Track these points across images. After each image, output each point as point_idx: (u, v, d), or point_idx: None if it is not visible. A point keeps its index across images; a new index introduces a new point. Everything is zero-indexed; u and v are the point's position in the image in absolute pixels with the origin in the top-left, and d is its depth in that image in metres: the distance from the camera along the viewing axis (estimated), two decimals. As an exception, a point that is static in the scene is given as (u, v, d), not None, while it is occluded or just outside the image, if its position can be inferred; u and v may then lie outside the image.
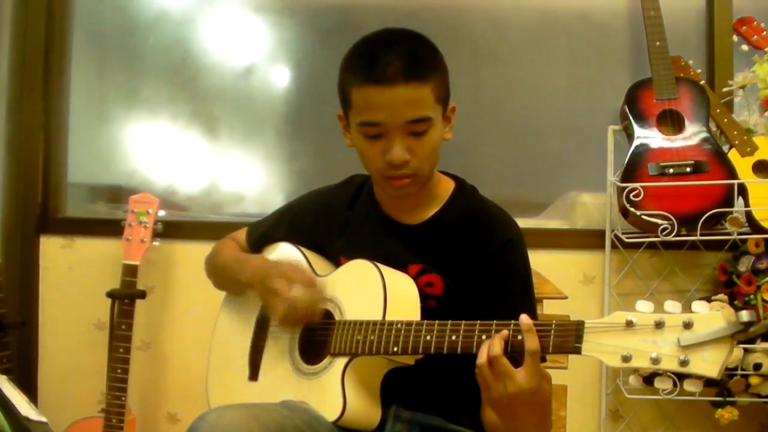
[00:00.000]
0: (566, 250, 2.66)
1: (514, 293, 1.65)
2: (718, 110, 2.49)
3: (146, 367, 2.75)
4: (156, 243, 2.63)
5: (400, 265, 1.65)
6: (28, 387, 2.69)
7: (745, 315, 1.16)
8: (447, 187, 1.74)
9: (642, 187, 2.35)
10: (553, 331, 1.36)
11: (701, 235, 2.34)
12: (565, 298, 1.91)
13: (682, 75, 2.52)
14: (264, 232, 1.91)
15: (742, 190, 2.36)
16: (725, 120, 2.48)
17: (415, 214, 1.71)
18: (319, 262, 1.79)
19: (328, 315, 1.67)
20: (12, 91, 2.85)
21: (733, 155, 2.42)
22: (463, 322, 1.46)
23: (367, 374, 1.60)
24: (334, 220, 1.80)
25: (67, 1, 2.89)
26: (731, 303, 2.40)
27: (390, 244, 1.70)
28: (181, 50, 2.95)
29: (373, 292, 1.57)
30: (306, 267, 1.76)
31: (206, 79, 2.93)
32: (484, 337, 1.42)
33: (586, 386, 2.61)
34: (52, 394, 2.78)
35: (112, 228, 2.65)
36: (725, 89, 2.58)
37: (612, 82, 2.76)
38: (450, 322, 1.47)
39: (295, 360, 1.69)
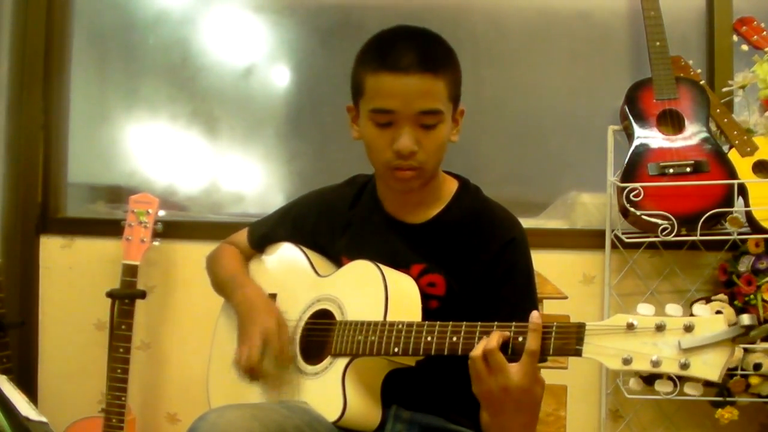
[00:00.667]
0: (566, 250, 2.66)
1: (517, 292, 1.65)
2: (718, 110, 2.49)
3: (146, 367, 2.75)
4: (156, 243, 2.63)
5: (402, 265, 1.66)
6: (28, 387, 2.69)
7: (746, 318, 1.17)
8: (450, 186, 1.74)
9: (642, 187, 2.35)
10: (554, 334, 1.36)
11: (701, 235, 2.34)
12: (565, 298, 1.91)
13: (682, 75, 2.52)
14: (266, 233, 1.91)
15: (742, 190, 2.36)
16: (725, 120, 2.48)
17: (418, 214, 1.71)
18: (320, 263, 1.79)
19: (328, 315, 1.67)
20: (12, 91, 2.85)
21: (733, 155, 2.42)
22: (464, 323, 1.46)
23: (367, 375, 1.60)
24: (337, 220, 1.80)
25: (67, 1, 2.89)
26: (731, 303, 2.40)
27: (393, 244, 1.70)
28: (181, 50, 2.95)
29: (374, 293, 1.57)
30: (306, 278, 1.76)
31: (206, 79, 2.93)
32: (484, 338, 1.42)
33: (586, 386, 2.61)
34: (52, 394, 2.78)
35: (112, 228, 2.65)
36: (725, 89, 2.57)
37: (612, 82, 2.76)
38: (451, 323, 1.47)
39: (295, 360, 1.69)
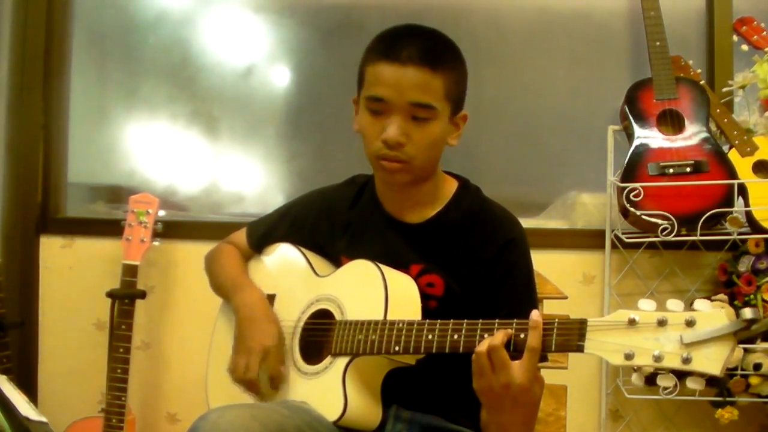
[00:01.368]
0: (566, 250, 2.66)
1: (516, 293, 1.65)
2: (718, 110, 2.49)
3: (146, 367, 2.75)
4: (156, 243, 2.64)
5: (401, 265, 1.66)
6: (28, 387, 2.69)
7: (747, 312, 1.17)
8: (450, 186, 1.74)
9: (642, 187, 2.35)
10: (555, 330, 1.36)
11: (701, 235, 2.34)
12: (565, 298, 1.91)
13: (682, 75, 2.52)
14: (265, 232, 1.91)
15: (742, 190, 2.36)
16: (725, 120, 2.48)
17: (418, 213, 1.71)
18: (319, 263, 1.79)
19: (328, 315, 1.67)
20: (12, 91, 2.85)
21: (733, 155, 2.42)
22: (465, 321, 1.46)
23: (368, 374, 1.60)
24: (336, 219, 1.80)
25: (67, 1, 2.89)
26: (731, 303, 2.40)
27: (392, 243, 1.70)
28: (181, 50, 2.95)
29: (374, 292, 1.57)
30: (305, 278, 1.76)
31: (206, 79, 2.93)
32: (486, 336, 1.42)
33: (586, 386, 2.61)
34: (52, 394, 2.78)
35: (112, 228, 2.65)
36: (725, 89, 2.58)
37: (612, 82, 2.76)
38: (452, 321, 1.47)
39: (295, 360, 1.69)
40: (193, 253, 2.59)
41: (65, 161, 2.90)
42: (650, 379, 2.29)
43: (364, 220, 1.77)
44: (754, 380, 2.37)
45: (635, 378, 1.26)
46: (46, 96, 2.85)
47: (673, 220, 2.31)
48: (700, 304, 1.23)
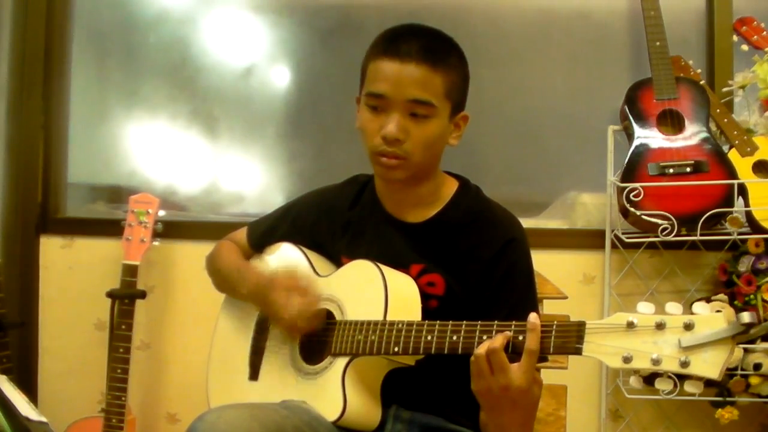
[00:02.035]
0: (566, 250, 2.66)
1: (517, 292, 1.65)
2: (718, 110, 2.49)
3: (146, 367, 2.75)
4: (156, 243, 2.64)
5: (402, 265, 1.66)
6: (28, 387, 2.69)
7: (746, 316, 1.17)
8: (450, 186, 1.74)
9: (642, 187, 2.35)
10: (554, 332, 1.36)
11: (701, 235, 2.34)
12: (565, 298, 1.91)
13: (682, 75, 2.52)
14: (265, 232, 1.91)
15: (742, 190, 2.36)
16: (725, 120, 2.48)
17: (418, 213, 1.71)
18: (320, 262, 1.79)
19: (329, 315, 1.67)
20: (12, 91, 2.85)
21: (733, 155, 2.42)
22: (464, 322, 1.46)
23: (367, 374, 1.60)
24: (336, 219, 1.80)
25: (67, 0, 2.88)
26: (731, 303, 2.40)
27: (392, 243, 1.70)
28: (181, 50, 2.95)
29: (374, 293, 1.57)
30: (304, 271, 1.75)
31: (206, 79, 2.93)
32: (485, 337, 1.42)
33: (586, 386, 2.61)
34: (52, 394, 2.78)
35: (112, 228, 2.65)
36: (725, 89, 2.58)
37: (612, 82, 2.76)
38: (451, 322, 1.48)
39: (295, 360, 1.70)
40: (193, 253, 2.59)
41: (65, 161, 2.90)
42: (649, 378, 2.28)
43: (364, 219, 1.77)
44: (754, 380, 2.37)
45: (633, 381, 1.26)
46: (46, 96, 2.85)
47: (673, 220, 2.31)
48: (699, 307, 1.23)
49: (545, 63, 2.85)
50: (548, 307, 1.90)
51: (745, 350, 2.34)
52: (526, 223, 1.77)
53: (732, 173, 2.36)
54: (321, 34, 2.93)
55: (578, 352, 1.32)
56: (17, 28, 2.84)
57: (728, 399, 2.40)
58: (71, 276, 2.79)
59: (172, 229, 2.70)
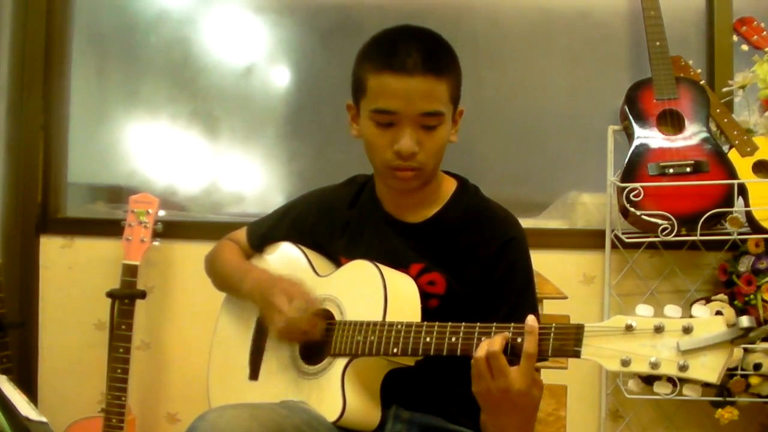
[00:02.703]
0: (566, 250, 2.66)
1: (516, 291, 1.65)
2: (718, 110, 2.49)
3: (146, 367, 2.75)
4: (156, 243, 2.64)
5: (402, 264, 1.66)
6: (28, 387, 2.69)
7: (745, 320, 1.16)
8: (449, 186, 1.75)
9: (642, 187, 2.35)
10: (552, 335, 1.36)
11: (701, 235, 2.34)
12: (565, 298, 1.91)
13: (682, 75, 2.52)
14: (265, 232, 1.91)
15: (742, 190, 2.36)
16: (725, 120, 2.48)
17: (417, 213, 1.72)
18: (320, 262, 1.79)
19: (328, 315, 1.67)
20: (12, 91, 2.85)
21: (733, 155, 2.42)
22: (463, 324, 1.46)
23: (367, 375, 1.60)
24: (336, 219, 1.80)
25: (67, 1, 2.89)
26: (731, 303, 2.40)
27: (392, 243, 1.70)
28: (181, 50, 2.95)
29: (373, 293, 1.57)
30: (306, 278, 1.75)
31: (206, 79, 2.93)
32: (483, 339, 1.42)
33: (586, 386, 2.61)
34: (52, 394, 2.78)
35: (112, 228, 2.65)
36: (725, 89, 2.58)
37: (612, 82, 2.76)
38: (450, 324, 1.48)
39: (295, 360, 1.70)
40: (193, 253, 2.58)
41: (65, 161, 2.90)
42: (648, 379, 2.28)
43: (364, 219, 1.77)
44: (754, 380, 2.37)
45: (632, 384, 1.25)
46: (46, 96, 2.85)
47: (673, 220, 2.31)
48: (698, 310, 1.22)
49: (545, 63, 2.85)
50: (548, 307, 1.90)
51: (745, 350, 2.34)
52: (526, 223, 1.77)
53: (732, 173, 2.36)
54: (321, 34, 2.93)
55: (577, 355, 1.32)
56: (17, 28, 2.84)
57: (728, 399, 2.40)
58: (71, 276, 2.79)
59: (172, 229, 2.69)
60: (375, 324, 1.55)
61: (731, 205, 2.34)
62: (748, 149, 2.43)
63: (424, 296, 1.62)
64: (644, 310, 1.25)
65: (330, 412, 1.55)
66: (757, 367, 2.35)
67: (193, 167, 2.94)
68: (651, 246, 2.52)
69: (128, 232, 2.58)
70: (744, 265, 2.42)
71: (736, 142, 2.44)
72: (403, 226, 1.72)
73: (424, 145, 1.59)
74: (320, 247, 1.82)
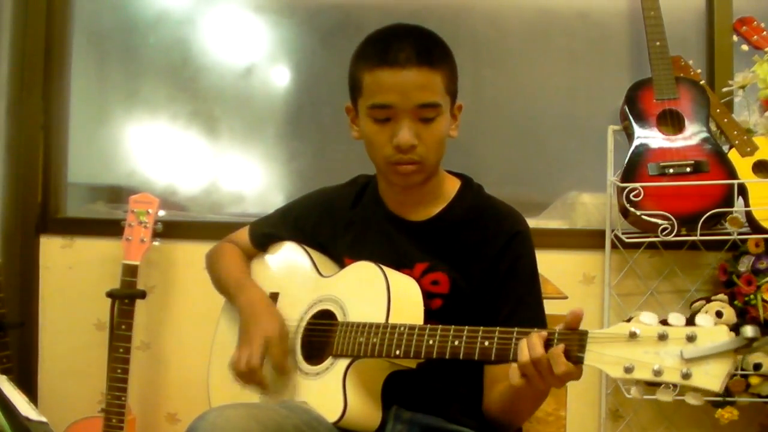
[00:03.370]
0: (566, 250, 2.66)
1: (522, 285, 1.65)
2: (718, 110, 2.49)
3: (146, 367, 2.75)
4: (156, 243, 2.64)
5: (406, 263, 1.66)
6: (28, 387, 2.69)
7: (749, 330, 1.16)
8: (453, 184, 1.75)
9: (642, 187, 2.35)
10: (556, 341, 1.36)
11: (701, 235, 2.34)
12: (565, 298, 1.92)
13: (682, 75, 2.52)
14: (267, 232, 1.92)
15: (742, 190, 2.36)
16: (725, 120, 2.48)
17: (421, 211, 1.72)
18: (324, 262, 1.79)
19: (330, 316, 1.67)
20: (12, 91, 2.85)
21: (733, 155, 2.42)
22: (466, 327, 1.46)
23: (368, 376, 1.60)
24: (338, 219, 1.80)
25: (67, 1, 2.88)
26: (731, 303, 2.40)
27: (396, 242, 1.71)
28: (181, 50, 2.95)
29: (376, 295, 1.57)
30: (309, 279, 1.75)
31: (206, 79, 2.93)
32: (486, 343, 1.42)
33: (586, 386, 2.61)
34: (52, 394, 2.78)
35: (112, 228, 2.65)
36: (725, 89, 2.58)
37: (612, 82, 2.76)
38: (453, 327, 1.47)
39: (297, 360, 1.69)
40: (193, 253, 2.59)
41: (65, 161, 2.90)
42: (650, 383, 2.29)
43: (367, 219, 1.77)
44: (754, 380, 2.36)
45: (634, 392, 1.25)
46: (46, 96, 2.85)
47: (673, 220, 2.31)
48: (702, 319, 1.22)
49: (545, 63, 2.85)
50: (548, 307, 1.89)
51: (745, 350, 2.34)
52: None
53: (732, 173, 2.37)
54: (321, 34, 2.93)
55: (579, 360, 1.31)
56: (17, 28, 2.84)
57: (728, 399, 2.40)
58: (71, 276, 2.79)
59: (172, 229, 2.69)
60: (378, 326, 1.54)
61: (731, 205, 2.34)
62: (748, 149, 2.43)
63: (428, 296, 1.63)
64: (648, 318, 1.25)
65: (331, 412, 1.55)
66: (757, 367, 2.35)
67: (193, 167, 2.94)
68: (651, 246, 2.52)
69: (128, 232, 2.57)
70: (744, 265, 2.42)
71: (736, 142, 2.44)
72: (407, 224, 1.72)
73: (423, 138, 1.59)
74: (323, 247, 1.82)
